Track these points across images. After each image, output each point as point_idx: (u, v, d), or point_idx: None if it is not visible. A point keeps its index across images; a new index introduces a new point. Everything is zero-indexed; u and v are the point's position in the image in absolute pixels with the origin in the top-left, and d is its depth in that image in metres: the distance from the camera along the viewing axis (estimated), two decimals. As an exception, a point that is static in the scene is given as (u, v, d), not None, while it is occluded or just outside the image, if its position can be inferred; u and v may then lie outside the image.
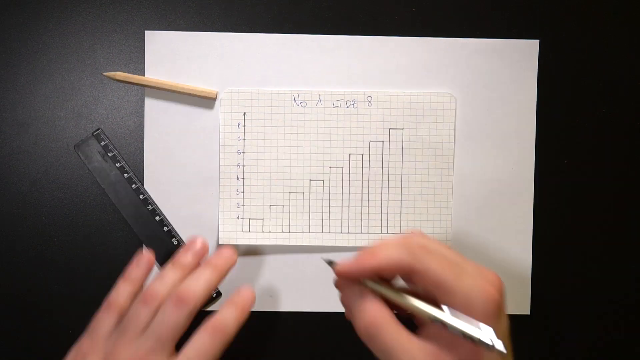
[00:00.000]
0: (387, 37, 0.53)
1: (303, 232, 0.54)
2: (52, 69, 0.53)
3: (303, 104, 0.53)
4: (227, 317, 0.43)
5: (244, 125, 0.53)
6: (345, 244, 0.54)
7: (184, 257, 0.47)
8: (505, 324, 0.38)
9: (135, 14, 0.53)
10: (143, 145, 0.53)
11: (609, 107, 0.54)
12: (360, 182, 0.54)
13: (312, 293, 0.54)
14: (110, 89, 0.53)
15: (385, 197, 0.54)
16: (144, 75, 0.53)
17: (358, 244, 0.54)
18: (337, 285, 0.40)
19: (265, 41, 0.53)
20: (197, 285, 0.44)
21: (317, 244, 0.54)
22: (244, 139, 0.53)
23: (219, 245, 0.54)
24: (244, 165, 0.53)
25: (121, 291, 0.46)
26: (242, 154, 0.53)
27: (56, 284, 0.54)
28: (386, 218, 0.54)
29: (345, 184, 0.54)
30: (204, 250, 0.47)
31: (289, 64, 0.53)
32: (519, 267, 0.55)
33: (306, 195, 0.54)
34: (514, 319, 0.55)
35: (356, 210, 0.54)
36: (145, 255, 0.48)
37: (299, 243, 0.54)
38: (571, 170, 0.55)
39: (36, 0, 0.53)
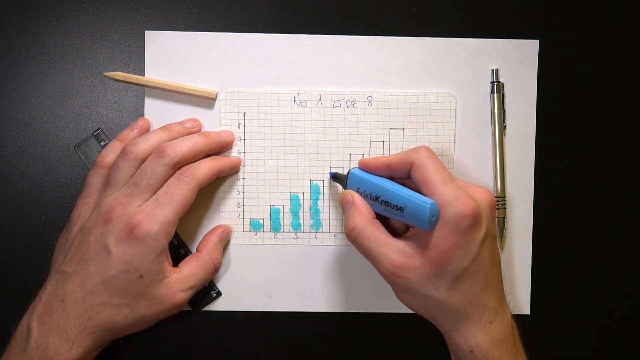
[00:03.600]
0: (387, 37, 0.53)
1: (303, 232, 0.54)
2: (52, 69, 0.53)
3: (303, 104, 0.53)
4: (197, 165, 0.48)
5: (245, 126, 0.53)
6: (345, 243, 0.54)
7: (172, 125, 0.51)
8: (479, 235, 0.43)
9: (135, 14, 0.53)
10: (143, 145, 0.53)
11: (609, 107, 0.55)
12: (361, 182, 0.54)
13: (312, 293, 0.54)
14: (110, 89, 0.53)
15: (385, 197, 0.54)
16: (144, 75, 0.53)
17: (358, 244, 0.54)
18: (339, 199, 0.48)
19: (265, 41, 0.53)
20: (181, 143, 0.48)
21: (317, 244, 0.54)
22: (244, 139, 0.53)
23: (219, 245, 0.54)
24: (244, 165, 0.53)
25: (110, 149, 0.50)
26: (242, 154, 0.53)
27: (56, 284, 0.53)
28: (386, 218, 0.54)
29: (346, 184, 0.54)
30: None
31: (289, 64, 0.53)
32: (519, 267, 0.55)
33: (306, 195, 0.54)
34: (514, 319, 0.55)
35: (356, 210, 0.54)
36: (141, 120, 0.52)
37: (299, 243, 0.54)
38: (571, 170, 0.55)
39: (36, 0, 0.53)
